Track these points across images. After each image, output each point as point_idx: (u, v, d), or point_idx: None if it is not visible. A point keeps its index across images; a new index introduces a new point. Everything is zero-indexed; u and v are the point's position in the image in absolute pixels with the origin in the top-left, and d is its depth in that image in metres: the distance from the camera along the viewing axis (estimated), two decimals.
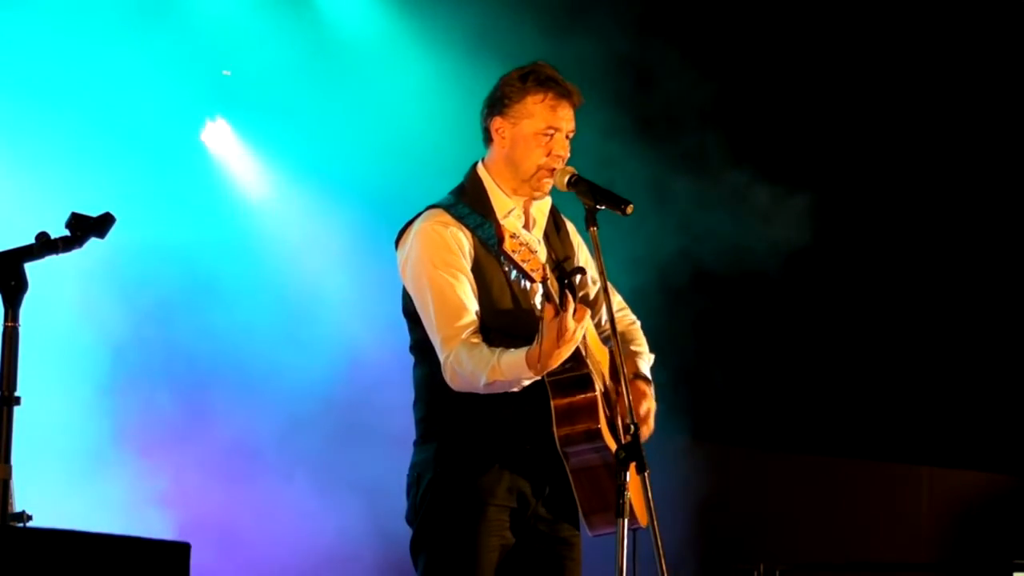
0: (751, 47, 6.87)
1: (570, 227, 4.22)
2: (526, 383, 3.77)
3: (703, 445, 6.96)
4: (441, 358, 3.84)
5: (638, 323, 4.33)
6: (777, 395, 6.94)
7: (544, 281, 3.59)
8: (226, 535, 6.46)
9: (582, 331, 3.66)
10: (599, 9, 6.78)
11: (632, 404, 3.73)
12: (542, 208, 4.08)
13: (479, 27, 6.51)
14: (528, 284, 3.61)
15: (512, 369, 3.72)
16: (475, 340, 3.82)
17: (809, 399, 7.06)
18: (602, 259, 3.87)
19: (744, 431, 7.01)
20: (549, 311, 3.62)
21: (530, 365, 3.69)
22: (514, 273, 3.59)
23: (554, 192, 4.04)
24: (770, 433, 7.04)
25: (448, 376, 3.83)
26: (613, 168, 6.06)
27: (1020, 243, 6.92)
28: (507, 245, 3.54)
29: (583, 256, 4.22)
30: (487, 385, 3.76)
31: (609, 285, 4.24)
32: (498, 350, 3.76)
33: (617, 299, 4.33)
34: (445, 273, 3.86)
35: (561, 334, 3.60)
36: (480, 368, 3.75)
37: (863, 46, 6.85)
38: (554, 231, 4.14)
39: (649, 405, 4.09)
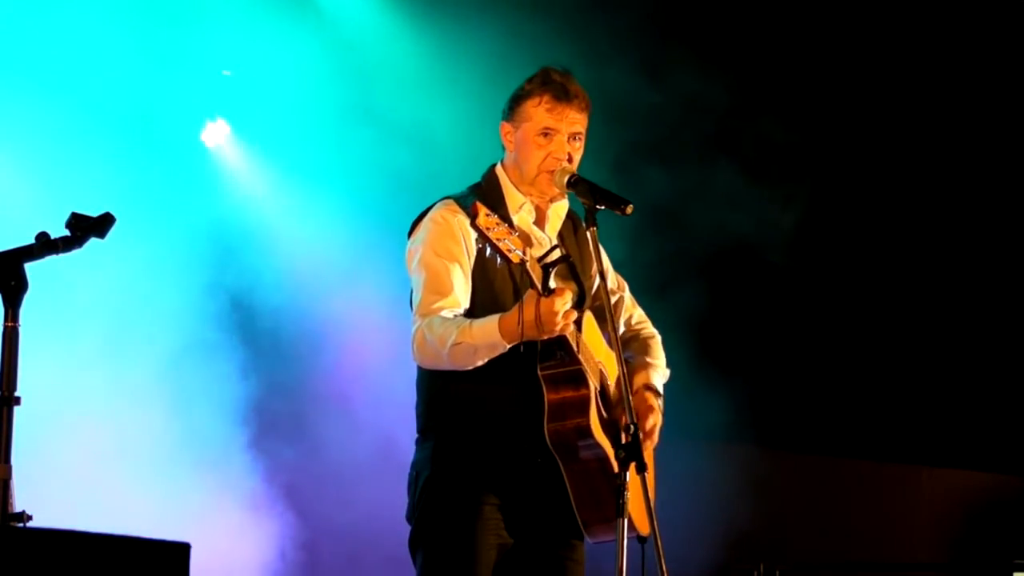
0: (751, 42, 6.87)
1: (589, 234, 4.22)
2: (495, 353, 3.75)
3: (701, 445, 6.95)
4: (413, 329, 3.86)
5: (658, 337, 4.35)
6: (777, 395, 6.94)
7: (522, 263, 3.60)
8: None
9: (567, 318, 3.67)
10: (605, 7, 6.79)
11: (639, 415, 3.72)
12: (559, 210, 4.11)
13: (481, 27, 6.51)
14: (500, 261, 3.61)
15: (483, 332, 3.73)
16: (449, 315, 3.84)
17: (809, 399, 7.06)
18: (602, 258, 3.87)
19: (743, 431, 7.00)
20: (531, 294, 3.65)
21: (504, 330, 3.70)
22: (488, 250, 3.60)
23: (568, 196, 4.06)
24: (770, 433, 7.03)
25: (416, 345, 3.84)
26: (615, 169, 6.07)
27: (1019, 243, 6.92)
28: (481, 221, 3.56)
29: (604, 264, 4.20)
30: (454, 346, 3.75)
31: (630, 296, 4.27)
32: (473, 319, 3.79)
33: (638, 312, 4.35)
34: (445, 259, 3.90)
35: (546, 318, 3.62)
36: (451, 329, 3.76)
37: (857, 40, 6.85)
38: (571, 233, 4.16)
39: (656, 420, 4.09)
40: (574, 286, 3.97)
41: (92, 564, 2.90)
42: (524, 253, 3.60)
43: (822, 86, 6.91)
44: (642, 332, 4.33)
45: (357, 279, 6.75)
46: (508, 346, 3.73)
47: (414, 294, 3.95)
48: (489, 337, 3.73)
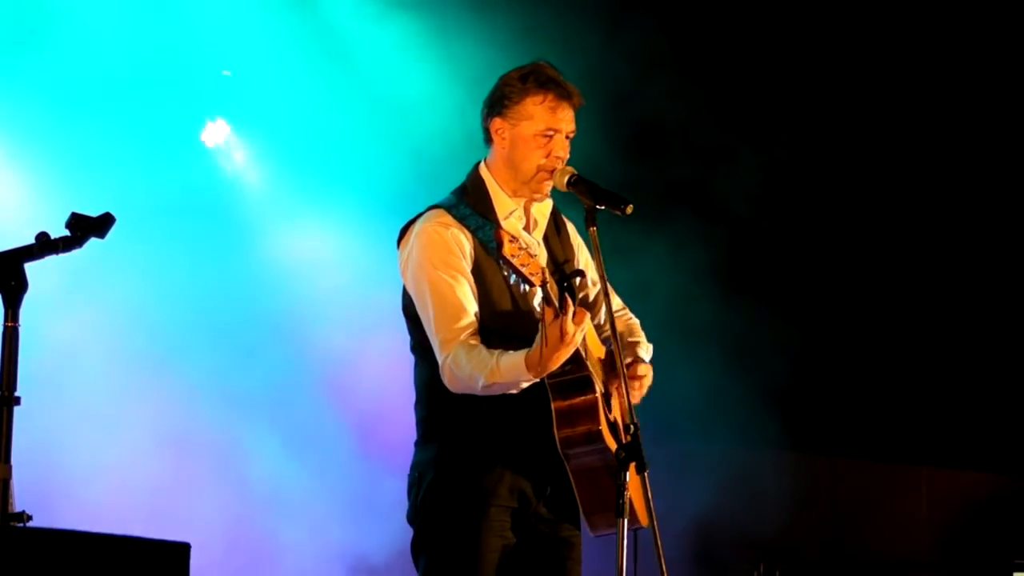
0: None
1: (571, 228, 4.23)
2: (524, 385, 3.77)
3: (702, 446, 6.95)
4: (440, 360, 3.85)
5: (637, 321, 4.35)
6: (776, 395, 6.94)
7: (544, 284, 3.58)
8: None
9: (581, 334, 3.66)
10: None
11: (628, 391, 3.74)
12: (543, 210, 4.09)
13: (482, 25, 6.51)
14: (527, 287, 3.60)
15: (511, 371, 3.72)
16: (473, 342, 3.82)
17: (808, 399, 7.06)
18: (602, 258, 3.87)
19: (743, 431, 7.00)
20: (549, 314, 3.62)
21: (529, 367, 3.69)
22: (513, 277, 3.58)
23: (554, 192, 4.05)
24: (769, 433, 7.03)
25: (447, 378, 3.83)
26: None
27: (1019, 243, 6.92)
28: (506, 250, 3.53)
29: (583, 257, 4.22)
30: (485, 387, 3.76)
31: (609, 286, 4.25)
32: (497, 352, 3.76)
33: (616, 300, 4.33)
34: (445, 274, 3.86)
35: (561, 337, 3.61)
36: (479, 370, 3.75)
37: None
38: (555, 232, 4.14)
39: (645, 371, 4.11)
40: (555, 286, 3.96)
41: (92, 564, 2.90)
42: (543, 275, 3.59)
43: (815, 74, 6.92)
44: (623, 318, 4.34)
45: (358, 278, 6.75)
46: (536, 380, 3.74)
47: (424, 317, 3.90)
48: (517, 376, 3.72)
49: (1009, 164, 6.89)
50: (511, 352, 3.74)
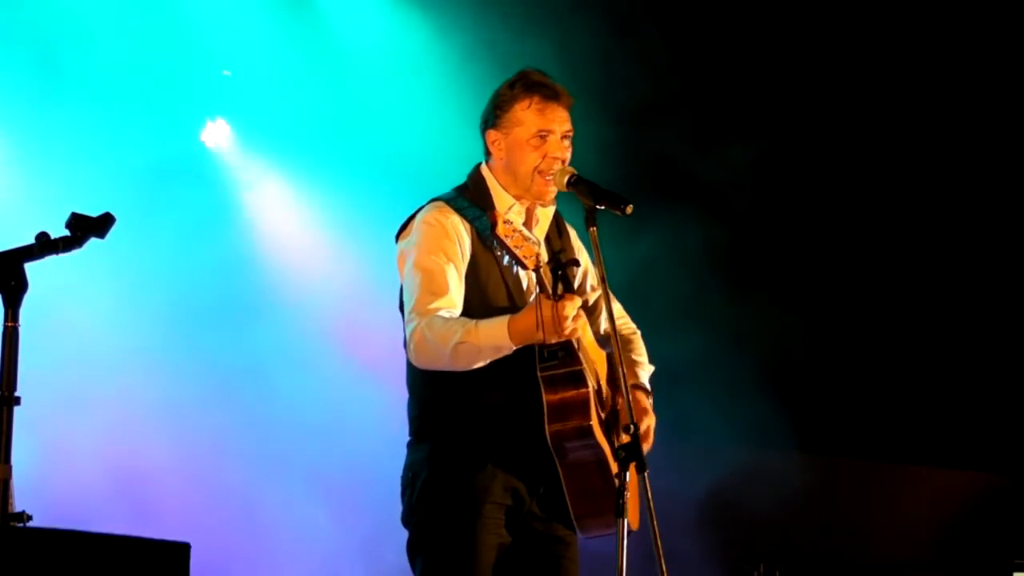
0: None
1: (572, 232, 4.23)
2: (498, 355, 3.75)
3: (700, 445, 6.95)
4: (409, 329, 3.83)
5: (639, 333, 4.34)
6: (776, 394, 6.94)
7: (537, 270, 3.60)
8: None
9: (576, 322, 3.66)
10: None
11: (635, 417, 3.73)
12: (546, 211, 4.10)
13: (479, 25, 6.52)
14: (519, 270, 3.62)
15: (491, 332, 3.71)
16: (448, 315, 3.81)
17: (808, 398, 7.06)
18: (602, 259, 3.87)
19: (743, 431, 7.00)
20: (542, 298, 3.64)
21: (512, 333, 3.68)
22: (507, 258, 3.60)
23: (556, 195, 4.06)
24: (769, 432, 7.03)
25: (414, 344, 3.81)
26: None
27: (1019, 242, 6.92)
28: (500, 230, 3.57)
29: (584, 260, 4.23)
30: (457, 345, 3.72)
31: (609, 292, 4.25)
32: (476, 319, 3.77)
33: (617, 307, 4.33)
34: (437, 258, 3.88)
35: (557, 321, 3.61)
36: (455, 329, 3.73)
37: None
38: (556, 234, 4.15)
39: (649, 422, 4.09)
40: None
41: (92, 564, 2.90)
42: (537, 259, 3.60)
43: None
44: (623, 328, 4.32)
45: (358, 278, 6.75)
46: (514, 348, 3.72)
47: (408, 295, 3.91)
48: (496, 339, 3.71)
49: (1010, 161, 6.88)
50: (493, 317, 3.74)
